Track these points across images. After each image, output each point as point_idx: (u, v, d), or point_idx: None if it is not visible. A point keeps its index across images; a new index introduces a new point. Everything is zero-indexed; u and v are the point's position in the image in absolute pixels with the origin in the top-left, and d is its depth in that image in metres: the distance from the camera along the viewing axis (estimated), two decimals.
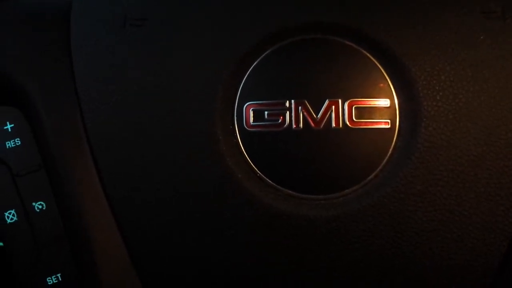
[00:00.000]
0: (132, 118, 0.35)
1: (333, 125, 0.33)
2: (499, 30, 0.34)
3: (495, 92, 0.33)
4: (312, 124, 0.33)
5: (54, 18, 0.38)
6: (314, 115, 0.33)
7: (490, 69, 0.33)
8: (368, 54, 0.34)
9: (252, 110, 0.34)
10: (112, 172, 0.35)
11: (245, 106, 0.34)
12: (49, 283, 0.35)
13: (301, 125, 0.33)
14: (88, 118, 0.35)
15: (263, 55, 0.34)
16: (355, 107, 0.33)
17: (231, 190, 0.33)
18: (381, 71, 0.34)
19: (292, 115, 0.34)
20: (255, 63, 0.34)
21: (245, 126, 0.34)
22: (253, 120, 0.34)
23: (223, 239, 0.34)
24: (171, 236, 0.34)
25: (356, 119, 0.33)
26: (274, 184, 0.34)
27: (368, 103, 0.34)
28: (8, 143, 0.36)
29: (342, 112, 0.33)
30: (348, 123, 0.33)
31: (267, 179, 0.34)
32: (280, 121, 0.34)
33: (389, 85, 0.34)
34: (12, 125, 0.36)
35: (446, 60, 0.33)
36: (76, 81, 0.36)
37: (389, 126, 0.34)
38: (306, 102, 0.34)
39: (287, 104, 0.34)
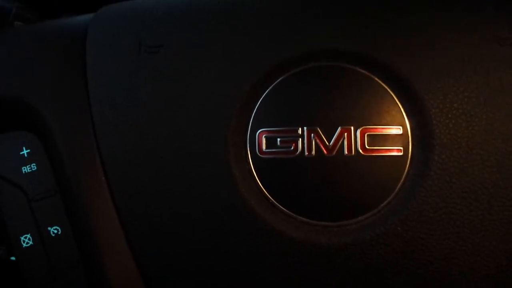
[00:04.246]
0: (146, 143, 0.35)
1: (346, 152, 0.33)
2: None
3: (509, 120, 0.33)
4: (325, 151, 0.34)
5: (70, 44, 0.38)
6: (327, 142, 0.34)
7: (503, 96, 0.33)
8: (381, 82, 0.34)
9: (264, 137, 0.34)
10: (126, 197, 0.35)
11: (258, 133, 0.34)
12: None
13: (313, 152, 0.34)
14: (103, 143, 0.36)
15: (276, 82, 0.35)
16: (367, 135, 0.34)
17: (244, 216, 0.34)
18: (393, 98, 0.34)
19: (305, 142, 0.34)
20: (267, 90, 0.35)
21: (258, 153, 0.34)
22: (265, 147, 0.34)
23: (234, 263, 0.34)
24: (182, 261, 0.35)
25: (368, 146, 0.34)
26: (287, 211, 0.34)
27: (380, 131, 0.34)
28: (24, 168, 0.36)
29: (355, 140, 0.34)
30: (360, 150, 0.33)
31: (280, 206, 0.34)
32: (292, 148, 0.34)
33: (401, 112, 0.34)
34: (28, 150, 0.37)
35: (459, 88, 0.34)
36: (91, 106, 0.36)
37: (401, 154, 0.34)
38: (318, 129, 0.34)
39: (300, 131, 0.34)
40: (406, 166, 0.34)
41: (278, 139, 0.34)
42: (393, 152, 0.34)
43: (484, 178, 0.33)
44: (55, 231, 0.36)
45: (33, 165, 0.36)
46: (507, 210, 0.33)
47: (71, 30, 0.40)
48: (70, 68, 0.37)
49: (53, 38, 0.39)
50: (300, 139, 0.34)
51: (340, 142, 0.34)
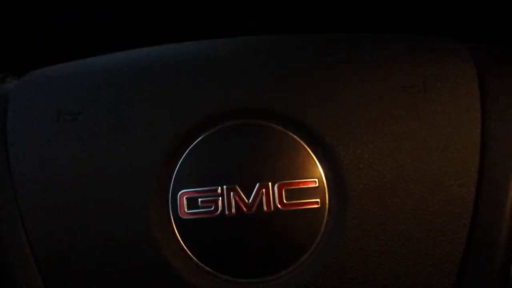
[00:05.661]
0: (65, 211, 0.35)
1: (265, 208, 0.34)
2: (419, 103, 0.36)
3: (419, 166, 0.34)
4: (244, 209, 0.34)
5: None
6: (246, 200, 0.34)
7: (412, 143, 0.35)
8: (295, 137, 0.35)
9: (185, 198, 0.35)
10: (49, 260, 0.35)
11: (179, 195, 0.35)
12: None
13: (233, 210, 0.34)
14: (24, 208, 0.35)
15: (194, 143, 0.35)
16: (285, 189, 0.34)
17: (168, 279, 0.34)
18: (308, 151, 0.35)
19: (225, 201, 0.34)
20: (187, 151, 0.35)
21: (180, 214, 0.35)
22: (187, 208, 0.35)
23: None
24: None
25: (286, 201, 0.34)
26: (212, 271, 0.34)
27: (297, 185, 0.34)
28: None
29: (273, 195, 0.34)
30: (279, 205, 0.34)
31: (204, 266, 0.34)
32: (213, 208, 0.34)
33: (316, 165, 0.35)
34: None
35: (369, 137, 0.35)
36: (11, 174, 0.36)
37: (319, 206, 0.34)
38: (237, 187, 0.34)
39: (219, 190, 0.34)
40: (324, 218, 0.34)
41: (199, 200, 0.35)
42: (311, 205, 0.34)
43: (399, 225, 0.34)
44: None
45: None
46: (424, 255, 0.34)
47: None
48: None
49: None
50: (220, 198, 0.34)
51: (259, 199, 0.34)
